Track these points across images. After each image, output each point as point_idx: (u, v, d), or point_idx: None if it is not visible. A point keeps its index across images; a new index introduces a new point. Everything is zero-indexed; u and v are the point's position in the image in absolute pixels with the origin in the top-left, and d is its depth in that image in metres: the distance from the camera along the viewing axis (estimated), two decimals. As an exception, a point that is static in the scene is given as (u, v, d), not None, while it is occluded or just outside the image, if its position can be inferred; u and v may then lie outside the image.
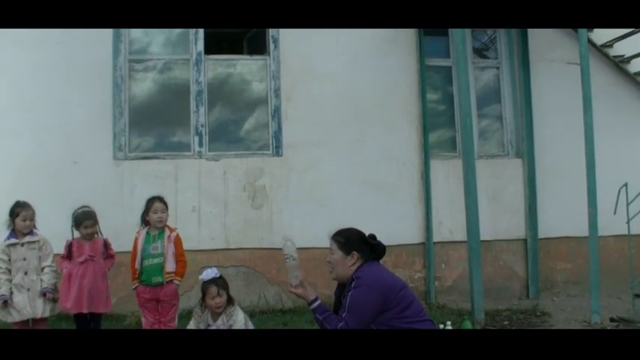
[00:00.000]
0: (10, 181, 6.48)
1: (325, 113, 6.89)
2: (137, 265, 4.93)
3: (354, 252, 3.37)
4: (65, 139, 6.59)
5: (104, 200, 6.53)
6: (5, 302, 4.61)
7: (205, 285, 4.32)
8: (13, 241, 4.75)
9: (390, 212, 6.87)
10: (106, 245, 5.06)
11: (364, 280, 3.24)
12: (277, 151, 6.90)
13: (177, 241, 4.98)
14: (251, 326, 4.34)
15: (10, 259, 4.73)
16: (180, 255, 4.96)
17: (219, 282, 4.28)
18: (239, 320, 4.28)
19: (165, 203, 5.04)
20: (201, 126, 6.89)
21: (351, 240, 3.42)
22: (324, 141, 6.86)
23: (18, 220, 4.81)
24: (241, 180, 6.74)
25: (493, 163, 7.37)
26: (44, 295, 4.71)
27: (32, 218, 4.88)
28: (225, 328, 4.26)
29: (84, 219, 4.89)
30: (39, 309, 4.72)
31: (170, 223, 6.51)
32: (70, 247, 4.87)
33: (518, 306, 6.78)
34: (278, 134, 6.91)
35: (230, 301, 4.34)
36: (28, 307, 4.68)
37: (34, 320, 4.73)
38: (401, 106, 7.09)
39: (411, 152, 7.05)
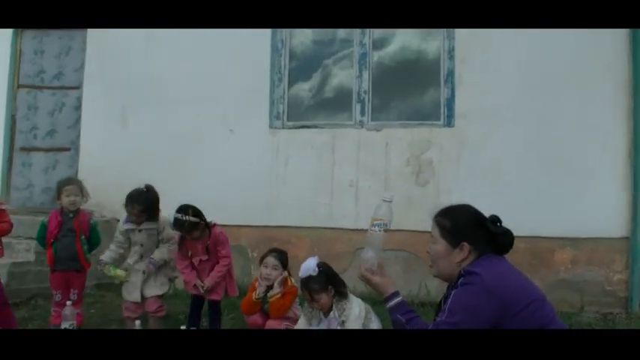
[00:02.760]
0: (168, 149, 6.42)
1: (507, 77, 5.81)
2: None
3: (465, 243, 2.32)
4: (222, 108, 6.35)
5: (258, 171, 6.22)
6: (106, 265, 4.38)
7: (301, 285, 3.75)
8: (129, 226, 4.47)
9: (584, 198, 5.62)
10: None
11: (479, 277, 2.19)
12: (449, 120, 5.98)
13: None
14: (373, 320, 3.65)
15: (129, 239, 4.51)
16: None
17: (314, 285, 3.63)
18: (353, 314, 3.62)
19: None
20: (364, 92, 6.22)
21: (460, 225, 2.36)
22: (504, 110, 5.77)
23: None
24: (405, 153, 5.96)
25: None
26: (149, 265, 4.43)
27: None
28: (336, 322, 3.61)
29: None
30: (149, 291, 4.44)
31: (325, 197, 6.05)
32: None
33: None
34: (450, 102, 5.98)
35: (340, 293, 3.70)
36: (139, 291, 4.41)
37: (147, 299, 4.47)
38: (603, 66, 5.71)
39: (615, 124, 5.64)
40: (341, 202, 6.01)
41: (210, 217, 6.19)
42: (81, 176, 6.97)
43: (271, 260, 4.12)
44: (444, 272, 2.38)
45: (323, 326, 3.68)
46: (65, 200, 4.46)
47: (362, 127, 6.13)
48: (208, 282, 4.30)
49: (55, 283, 4.50)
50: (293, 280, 4.18)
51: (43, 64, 7.33)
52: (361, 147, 6.03)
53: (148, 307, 4.45)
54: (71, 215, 4.48)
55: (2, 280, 5.26)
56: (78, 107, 7.10)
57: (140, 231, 4.44)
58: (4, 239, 5.05)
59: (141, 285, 4.40)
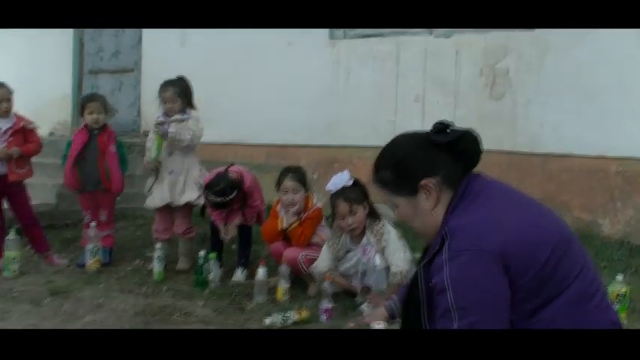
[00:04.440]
0: (226, 66, 6.11)
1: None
2: None
3: (424, 180, 1.59)
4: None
5: (317, 86, 5.79)
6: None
7: (332, 199, 3.22)
8: (160, 119, 4.18)
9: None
10: None
11: (468, 236, 1.48)
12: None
13: None
14: (407, 249, 3.18)
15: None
16: None
17: (351, 194, 3.12)
18: (393, 237, 3.15)
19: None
20: (433, -5, 5.49)
21: (402, 161, 1.65)
22: (594, 6, 4.85)
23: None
24: (477, 62, 5.21)
25: None
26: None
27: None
28: (373, 250, 3.15)
29: None
30: (177, 195, 4.17)
31: (389, 114, 5.52)
32: None
33: None
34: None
35: (374, 214, 3.21)
36: (163, 195, 4.18)
37: (177, 209, 4.24)
38: None
39: None
40: (406, 118, 5.44)
41: (268, 137, 5.96)
42: (144, 97, 6.91)
43: (289, 184, 3.67)
44: (431, 231, 1.63)
45: (354, 256, 3.29)
46: (88, 118, 4.25)
47: (430, 34, 5.45)
48: (231, 231, 4.01)
49: (83, 203, 4.38)
50: (315, 200, 3.77)
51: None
52: (428, 56, 5.37)
53: (176, 228, 4.27)
54: (96, 132, 4.27)
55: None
56: (140, 26, 6.92)
57: (169, 124, 4.13)
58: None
59: (169, 190, 4.17)
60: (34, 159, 4.46)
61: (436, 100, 5.34)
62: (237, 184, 3.84)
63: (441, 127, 1.64)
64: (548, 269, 1.47)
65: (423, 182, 1.60)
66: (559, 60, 4.95)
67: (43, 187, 5.42)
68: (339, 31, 5.81)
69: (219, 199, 3.76)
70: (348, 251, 3.34)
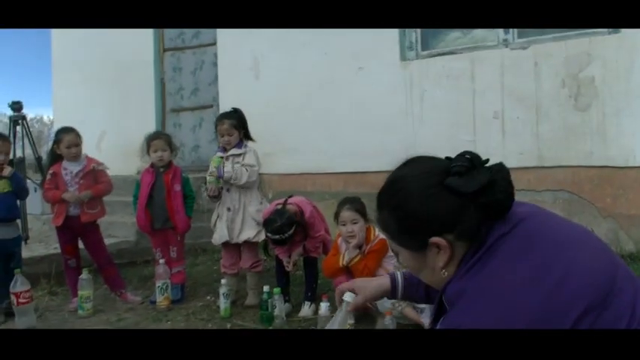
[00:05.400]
0: (299, 96, 6.13)
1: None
2: None
3: (439, 237, 1.25)
4: (350, 44, 5.82)
5: (391, 109, 5.66)
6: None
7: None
8: (219, 154, 4.18)
9: None
10: None
11: (478, 305, 1.16)
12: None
13: None
14: None
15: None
16: None
17: None
18: None
19: None
20: (507, 6, 5.24)
21: (414, 215, 1.27)
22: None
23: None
24: (559, 72, 4.89)
25: None
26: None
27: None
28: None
29: None
30: (236, 232, 4.13)
31: (467, 133, 5.29)
32: None
33: None
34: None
35: None
36: (224, 232, 4.16)
37: (243, 245, 4.21)
38: None
39: None
40: (486, 137, 5.19)
41: (345, 165, 5.88)
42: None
43: (347, 214, 3.51)
44: (438, 286, 1.35)
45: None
46: (153, 156, 4.31)
47: (506, 46, 5.20)
48: (292, 262, 3.92)
49: (154, 241, 4.44)
50: (377, 231, 3.60)
51: (182, 25, 7.43)
52: (505, 70, 5.10)
53: (243, 263, 4.24)
54: (162, 170, 4.32)
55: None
56: (215, 63, 7.11)
57: (228, 159, 4.14)
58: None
59: (227, 227, 4.15)
60: (116, 197, 4.59)
61: (516, 115, 5.05)
62: (294, 219, 3.71)
63: (463, 168, 1.24)
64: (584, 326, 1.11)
65: (433, 240, 1.27)
66: (651, 63, 4.56)
67: (123, 225, 5.59)
68: (411, 52, 5.68)
69: (277, 237, 3.66)
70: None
